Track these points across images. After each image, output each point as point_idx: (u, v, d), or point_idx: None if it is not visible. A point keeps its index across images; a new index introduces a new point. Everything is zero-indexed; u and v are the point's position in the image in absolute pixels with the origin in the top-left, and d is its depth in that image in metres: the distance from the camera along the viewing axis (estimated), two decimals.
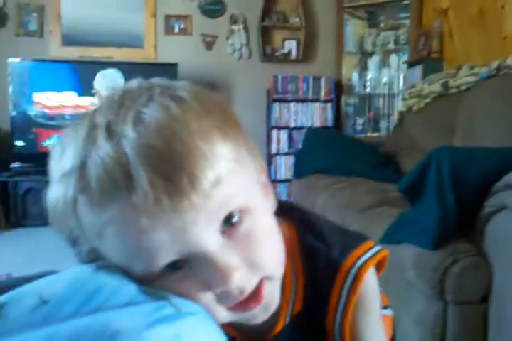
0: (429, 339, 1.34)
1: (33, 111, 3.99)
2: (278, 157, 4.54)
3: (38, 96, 3.99)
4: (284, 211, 0.52)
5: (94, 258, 0.43)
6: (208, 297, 0.43)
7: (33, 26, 4.36)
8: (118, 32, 4.45)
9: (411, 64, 4.00)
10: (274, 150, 4.52)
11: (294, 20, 4.66)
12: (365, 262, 0.53)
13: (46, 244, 2.86)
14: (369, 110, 4.70)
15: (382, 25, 4.61)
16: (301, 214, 0.58)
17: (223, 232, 0.42)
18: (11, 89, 3.95)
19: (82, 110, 3.93)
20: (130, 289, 0.39)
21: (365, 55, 4.71)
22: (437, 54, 3.71)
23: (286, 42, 4.70)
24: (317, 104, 4.55)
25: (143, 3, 4.50)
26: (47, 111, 4.01)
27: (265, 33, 4.64)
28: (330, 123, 4.56)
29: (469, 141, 2.23)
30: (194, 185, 0.38)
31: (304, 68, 4.72)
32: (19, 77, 3.96)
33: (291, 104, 4.52)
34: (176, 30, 4.60)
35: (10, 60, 3.96)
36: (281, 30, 4.72)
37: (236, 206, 0.42)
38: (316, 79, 4.54)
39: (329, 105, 4.56)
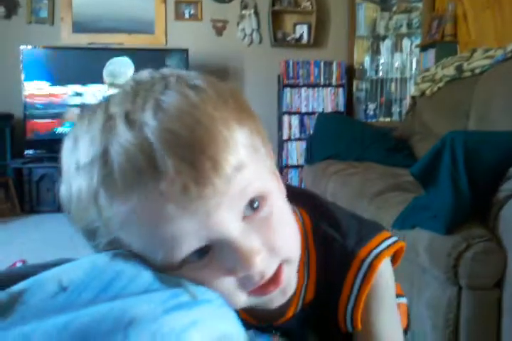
0: (442, 324, 1.34)
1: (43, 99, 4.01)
2: (289, 142, 4.53)
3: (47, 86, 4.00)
4: (298, 198, 0.52)
5: (113, 249, 0.43)
6: (230, 282, 0.43)
7: (43, 13, 4.36)
8: (128, 18, 4.44)
9: (424, 48, 3.95)
10: (285, 135, 4.51)
11: (305, 4, 4.61)
12: (380, 253, 0.52)
13: (60, 231, 2.90)
14: (381, 95, 4.66)
15: (394, 8, 4.55)
16: (315, 202, 0.58)
17: (244, 218, 0.43)
18: (23, 76, 3.96)
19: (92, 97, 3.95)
20: (147, 277, 0.40)
21: (377, 38, 4.66)
22: (451, 37, 3.66)
23: (298, 27, 4.66)
24: (328, 89, 4.52)
25: None
26: (57, 99, 4.02)
27: (276, 17, 4.60)
28: (341, 108, 4.53)
29: (483, 125, 2.20)
30: (217, 171, 0.38)
31: (315, 53, 4.68)
32: (31, 64, 3.97)
33: (303, 89, 4.50)
34: (187, 15, 4.57)
35: (22, 47, 3.97)
36: (292, 14, 4.67)
37: (256, 191, 0.42)
38: (328, 64, 4.50)
39: (341, 90, 4.53)
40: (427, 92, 3.00)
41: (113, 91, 0.45)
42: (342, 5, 4.72)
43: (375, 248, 0.53)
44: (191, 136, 0.38)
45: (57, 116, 3.99)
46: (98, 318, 0.35)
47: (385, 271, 0.54)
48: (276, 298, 0.47)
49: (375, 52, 4.68)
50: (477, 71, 2.52)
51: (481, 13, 3.34)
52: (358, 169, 2.58)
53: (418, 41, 4.34)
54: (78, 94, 4.04)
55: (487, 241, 1.27)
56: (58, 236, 2.72)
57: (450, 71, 2.74)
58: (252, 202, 0.43)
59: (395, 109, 4.64)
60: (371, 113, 4.65)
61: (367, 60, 4.68)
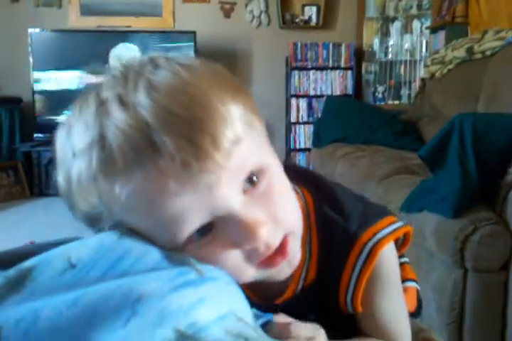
0: (448, 306, 1.35)
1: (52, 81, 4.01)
2: (297, 126, 4.52)
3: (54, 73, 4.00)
4: (301, 178, 0.52)
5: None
6: (236, 256, 0.44)
7: None
8: (136, 1, 4.42)
9: (434, 29, 3.90)
10: (293, 118, 4.49)
11: None
12: (384, 237, 0.52)
13: (69, 213, 2.92)
14: (390, 77, 4.62)
15: None
16: (319, 183, 0.58)
17: (245, 192, 0.43)
18: (31, 59, 3.96)
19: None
20: (155, 255, 0.40)
21: (386, 20, 4.60)
22: (462, 18, 3.61)
23: (306, 8, 4.61)
24: (337, 72, 4.48)
25: None
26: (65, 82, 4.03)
27: None
28: (350, 91, 4.50)
29: (493, 107, 2.18)
30: (216, 145, 0.39)
31: (323, 35, 4.63)
32: (39, 47, 3.97)
33: (311, 72, 4.46)
34: None
35: (30, 30, 3.96)
36: None
37: (254, 165, 0.43)
38: (336, 46, 4.46)
39: (349, 72, 4.49)
40: (437, 74, 2.97)
41: (103, 78, 0.45)
42: None
43: (378, 232, 0.52)
44: (187, 113, 0.39)
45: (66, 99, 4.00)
46: (106, 295, 0.35)
47: (388, 255, 0.54)
48: (283, 270, 0.47)
49: (385, 34, 4.63)
50: (488, 53, 2.49)
51: None
52: (366, 152, 2.58)
53: (428, 23, 4.28)
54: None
55: (494, 225, 1.27)
56: (67, 218, 2.73)
57: (460, 53, 2.71)
58: (251, 177, 0.43)
59: (404, 91, 4.60)
60: (380, 96, 4.62)
61: (376, 41, 4.63)
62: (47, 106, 4.05)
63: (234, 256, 0.44)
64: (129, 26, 4.36)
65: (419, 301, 0.76)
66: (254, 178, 0.44)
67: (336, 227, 0.53)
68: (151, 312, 0.35)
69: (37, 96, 4.03)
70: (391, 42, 4.61)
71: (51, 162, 3.79)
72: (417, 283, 0.74)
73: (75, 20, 4.38)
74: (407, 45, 4.54)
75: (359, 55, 4.58)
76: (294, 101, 4.49)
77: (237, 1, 4.58)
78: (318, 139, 3.14)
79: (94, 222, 0.44)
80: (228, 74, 0.46)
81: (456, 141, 1.34)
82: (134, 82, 0.41)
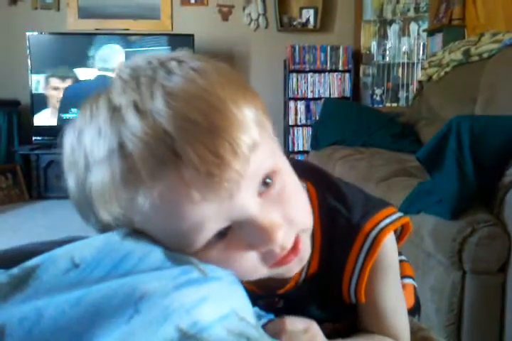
0: (446, 308, 1.35)
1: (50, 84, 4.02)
2: (295, 128, 4.52)
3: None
4: (304, 171, 0.52)
5: None
6: (252, 258, 0.44)
7: None
8: (134, 4, 4.42)
9: (431, 32, 3.92)
10: (291, 121, 4.50)
11: None
12: (386, 227, 0.53)
13: (68, 216, 2.92)
14: (388, 80, 4.62)
15: None
16: (321, 175, 0.58)
17: (260, 194, 0.43)
18: (30, 62, 3.96)
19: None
20: (158, 255, 0.40)
21: (384, 23, 4.61)
22: (459, 21, 3.62)
23: (304, 11, 4.61)
24: (335, 75, 4.49)
25: None
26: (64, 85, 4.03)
27: (282, 1, 4.55)
28: (348, 93, 4.50)
29: (490, 110, 2.19)
30: (236, 153, 0.39)
31: (321, 37, 4.64)
32: (38, 50, 3.97)
33: (309, 75, 4.47)
34: (192, 0, 4.54)
35: (28, 33, 3.96)
36: None
37: (268, 168, 0.43)
38: (334, 49, 4.47)
39: (347, 75, 4.50)
40: (434, 77, 2.98)
41: (111, 81, 0.44)
42: None
43: (380, 222, 0.53)
44: (206, 120, 0.38)
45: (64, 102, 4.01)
46: (109, 293, 0.36)
47: (389, 245, 0.55)
48: (294, 267, 0.48)
49: (382, 36, 4.64)
50: (485, 55, 2.50)
51: None
52: (364, 155, 2.58)
53: (426, 25, 4.30)
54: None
55: (492, 226, 1.27)
56: (66, 221, 2.74)
57: (457, 55, 2.72)
58: (265, 179, 0.43)
59: (402, 94, 4.61)
60: (378, 98, 4.63)
61: (374, 44, 4.64)
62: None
63: (249, 258, 0.44)
64: (127, 29, 4.37)
65: (417, 299, 0.77)
66: (268, 180, 0.44)
67: (339, 218, 0.54)
68: (153, 311, 0.35)
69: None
70: (389, 45, 4.62)
71: (50, 165, 3.81)
72: (414, 280, 0.75)
73: (73, 23, 4.38)
74: (404, 48, 4.56)
75: (357, 58, 4.59)
76: (292, 103, 4.49)
77: (234, 4, 4.59)
78: (317, 142, 3.14)
79: (109, 229, 0.44)
80: (234, 73, 0.46)
81: (453, 143, 1.34)
82: (149, 89, 0.40)
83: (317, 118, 3.94)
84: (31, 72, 3.99)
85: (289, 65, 4.44)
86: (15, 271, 0.39)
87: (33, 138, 4.00)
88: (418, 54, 4.46)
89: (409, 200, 1.57)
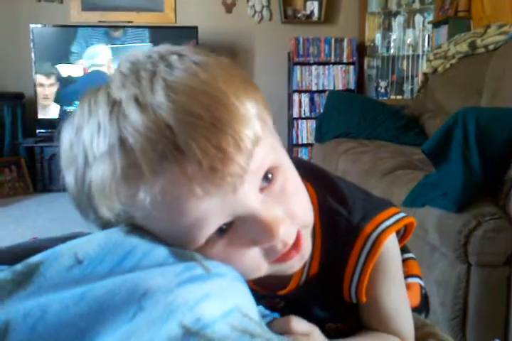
0: (451, 301, 1.35)
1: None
2: (299, 121, 4.51)
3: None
4: (304, 171, 0.51)
5: None
6: (254, 253, 0.44)
7: None
8: None
9: (436, 24, 3.89)
10: (295, 114, 4.49)
11: None
12: (386, 229, 0.53)
13: (72, 209, 2.93)
14: (392, 72, 4.60)
15: None
16: (322, 175, 0.58)
17: (261, 189, 0.43)
18: (33, 54, 3.96)
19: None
20: (161, 251, 0.40)
21: (389, 15, 4.58)
22: (464, 13, 3.59)
23: (308, 3, 4.59)
24: (339, 67, 4.47)
25: None
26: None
27: None
28: (352, 86, 4.49)
29: (496, 102, 2.18)
30: (239, 147, 0.38)
31: (326, 30, 4.62)
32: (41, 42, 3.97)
33: (313, 67, 4.46)
34: None
35: (32, 25, 3.95)
36: None
37: (270, 163, 0.43)
38: (339, 41, 4.45)
39: (352, 67, 4.49)
40: (440, 69, 2.96)
41: (110, 76, 0.43)
42: None
43: (380, 223, 0.53)
44: (209, 114, 0.38)
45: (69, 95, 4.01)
46: (113, 290, 0.35)
47: (391, 246, 0.54)
48: (295, 264, 0.47)
49: (387, 28, 4.60)
50: (491, 47, 2.48)
51: None
52: (369, 147, 2.58)
53: (431, 17, 4.26)
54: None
55: (498, 219, 1.27)
56: (70, 214, 2.74)
57: (463, 47, 2.70)
58: (266, 174, 0.43)
59: (407, 86, 4.59)
60: (382, 91, 4.61)
61: (378, 36, 4.61)
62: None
63: (252, 255, 0.44)
64: (131, 21, 4.36)
65: (426, 298, 0.76)
66: (270, 175, 0.44)
67: (339, 219, 0.53)
68: (157, 308, 0.35)
69: None
70: (393, 37, 4.59)
71: (54, 157, 3.81)
72: (421, 279, 0.74)
73: (76, 15, 4.37)
74: (409, 40, 4.53)
75: (361, 50, 4.57)
76: (296, 96, 4.48)
77: None
78: (321, 134, 3.13)
79: (110, 226, 0.43)
80: (236, 67, 0.45)
81: (459, 135, 1.33)
82: (150, 83, 0.39)
83: (321, 110, 3.93)
84: (35, 65, 3.98)
85: (293, 58, 4.43)
86: (18, 267, 0.39)
87: (37, 130, 4.00)
88: (423, 46, 4.44)
89: (415, 193, 1.56)
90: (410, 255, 0.75)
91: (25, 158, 3.99)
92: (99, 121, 0.40)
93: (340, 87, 4.48)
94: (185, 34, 4.11)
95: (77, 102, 0.46)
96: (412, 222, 0.57)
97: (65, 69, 4.04)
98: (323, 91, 4.41)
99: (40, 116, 4.03)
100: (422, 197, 1.50)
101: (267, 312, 0.47)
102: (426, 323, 0.65)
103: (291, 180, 0.46)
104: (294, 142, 4.52)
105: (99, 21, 4.30)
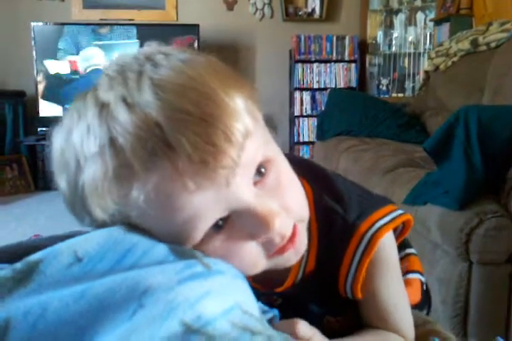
0: (452, 299, 1.35)
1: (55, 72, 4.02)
2: (301, 119, 4.51)
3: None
4: (300, 168, 0.52)
5: None
6: (252, 248, 0.44)
7: None
8: None
9: (438, 21, 3.88)
10: (296, 112, 4.48)
11: None
12: (382, 227, 0.53)
13: None
14: (394, 70, 4.60)
15: None
16: (318, 173, 0.58)
17: (255, 183, 0.43)
18: (35, 53, 3.96)
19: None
20: (161, 249, 0.40)
21: (390, 12, 4.57)
22: (466, 10, 3.59)
23: (310, 1, 4.58)
24: (341, 65, 4.47)
25: None
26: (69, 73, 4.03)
27: None
28: (354, 83, 4.48)
29: (498, 100, 2.17)
30: (230, 140, 0.39)
31: (327, 27, 4.61)
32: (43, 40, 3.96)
33: (315, 65, 4.45)
34: None
35: (33, 23, 3.95)
36: None
37: (262, 156, 0.43)
38: (340, 39, 4.44)
39: (353, 65, 4.48)
40: (441, 67, 2.95)
41: (98, 79, 0.43)
42: None
43: (376, 221, 0.53)
44: (198, 110, 0.38)
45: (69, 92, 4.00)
46: (113, 287, 0.35)
47: (387, 244, 0.54)
48: (291, 257, 0.47)
49: (389, 26, 4.60)
50: (493, 45, 2.47)
51: None
52: (370, 145, 2.57)
53: (432, 15, 4.26)
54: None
55: (499, 217, 1.27)
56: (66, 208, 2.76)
57: (465, 45, 2.69)
58: (259, 168, 0.43)
59: (408, 84, 4.59)
60: (384, 88, 4.60)
61: (380, 34, 4.60)
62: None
63: (250, 249, 0.44)
64: (132, 19, 4.35)
65: (428, 294, 0.76)
66: (262, 169, 0.44)
67: (335, 217, 0.53)
68: (157, 305, 0.35)
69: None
70: (395, 35, 4.58)
71: None
72: (422, 275, 0.74)
73: (77, 13, 4.37)
74: (411, 38, 4.52)
75: (363, 48, 4.56)
76: (297, 94, 4.47)
77: None
78: (322, 132, 3.13)
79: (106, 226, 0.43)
80: (222, 64, 0.46)
81: (461, 133, 1.33)
82: (136, 83, 0.40)
83: (323, 108, 3.92)
84: (36, 63, 3.98)
85: (294, 55, 4.42)
86: (18, 265, 0.39)
87: (39, 128, 4.00)
88: (425, 44, 4.43)
89: (416, 191, 1.56)
90: (412, 250, 0.75)
91: (26, 156, 3.99)
92: (88, 124, 0.40)
93: (341, 84, 4.47)
94: (186, 32, 4.10)
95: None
96: (409, 220, 0.57)
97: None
98: (325, 89, 4.40)
99: (41, 114, 4.02)
100: (423, 195, 1.50)
101: (267, 308, 0.47)
102: (427, 320, 0.65)
103: (285, 174, 0.47)
104: (296, 140, 4.51)
105: (101, 19, 4.30)
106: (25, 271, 0.38)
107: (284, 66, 4.63)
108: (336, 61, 4.46)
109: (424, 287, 0.75)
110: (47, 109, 4.02)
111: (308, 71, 4.45)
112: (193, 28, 4.12)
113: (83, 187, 0.41)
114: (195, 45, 4.08)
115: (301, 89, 4.47)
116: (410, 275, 0.71)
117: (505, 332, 1.32)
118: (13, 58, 4.28)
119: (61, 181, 0.44)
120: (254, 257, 0.45)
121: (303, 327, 0.49)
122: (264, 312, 0.46)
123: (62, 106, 4.02)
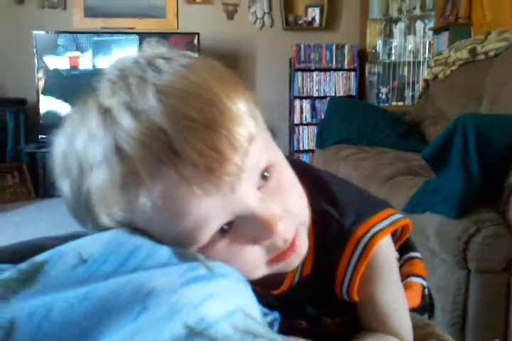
0: (450, 307, 1.35)
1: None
2: (301, 127, 4.52)
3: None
4: (297, 171, 0.51)
5: None
6: (256, 252, 0.44)
7: None
8: (140, 2, 4.43)
9: (437, 30, 3.90)
10: (296, 120, 4.49)
11: None
12: (378, 232, 0.52)
13: None
14: (393, 79, 4.61)
15: None
16: (314, 176, 0.57)
17: (258, 188, 0.43)
18: (36, 61, 3.97)
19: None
20: (165, 251, 0.40)
21: (390, 21, 4.60)
22: (465, 19, 3.61)
23: (310, 10, 4.61)
24: (340, 73, 4.49)
25: None
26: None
27: (287, 0, 4.55)
28: (353, 92, 4.50)
29: (496, 108, 2.18)
30: (235, 146, 0.39)
31: (327, 36, 4.64)
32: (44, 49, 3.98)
33: (314, 73, 4.47)
34: None
35: (35, 32, 3.97)
36: None
37: (266, 161, 0.43)
38: (340, 48, 4.47)
39: (353, 74, 4.50)
40: (440, 76, 2.97)
41: (98, 83, 0.43)
42: None
43: (373, 226, 0.53)
44: (203, 116, 0.38)
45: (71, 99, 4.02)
46: (117, 289, 0.36)
47: (384, 248, 0.54)
48: (292, 261, 0.48)
49: (388, 35, 4.62)
50: (491, 54, 2.49)
51: None
52: (370, 153, 2.58)
53: (431, 24, 4.28)
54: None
55: (497, 225, 1.27)
56: (72, 220, 2.75)
57: (463, 54, 2.71)
58: (263, 172, 0.43)
59: (408, 93, 4.60)
60: (383, 97, 4.62)
61: (379, 43, 4.63)
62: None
63: (252, 252, 0.44)
64: (133, 28, 4.38)
65: (430, 299, 0.76)
66: (266, 174, 0.44)
67: (331, 221, 0.53)
68: (161, 307, 0.35)
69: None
70: (394, 44, 4.61)
71: None
72: (424, 279, 0.73)
73: (79, 21, 4.39)
74: (410, 47, 4.54)
75: (362, 56, 4.58)
76: (297, 102, 4.49)
77: (240, 2, 4.59)
78: (322, 140, 3.14)
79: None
80: (224, 68, 0.46)
81: (459, 141, 1.34)
82: (140, 88, 0.39)
83: (322, 117, 3.93)
84: (37, 71, 4.00)
85: (294, 64, 4.44)
86: (23, 266, 0.39)
87: (40, 136, 4.01)
88: (424, 52, 4.45)
89: (415, 199, 1.57)
90: (416, 254, 0.75)
91: (27, 163, 3.99)
92: (91, 130, 0.40)
93: (341, 93, 4.49)
94: (187, 40, 4.13)
95: None
96: (407, 224, 0.57)
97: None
98: (325, 97, 4.41)
99: (42, 121, 4.03)
100: (422, 203, 1.51)
101: (267, 310, 0.47)
102: (427, 323, 0.65)
103: (287, 177, 0.47)
104: (296, 148, 4.52)
105: (102, 28, 4.32)
106: (30, 271, 0.39)
107: (284, 74, 4.65)
108: (336, 69, 4.48)
109: (426, 291, 0.74)
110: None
111: (308, 79, 4.46)
112: (193, 37, 4.14)
113: (88, 194, 0.41)
114: (196, 53, 4.10)
115: (301, 98, 4.49)
116: (411, 279, 0.71)
117: (504, 340, 1.32)
118: (14, 66, 4.30)
119: (64, 186, 0.44)
120: (257, 261, 0.45)
121: None
122: (265, 314, 0.46)
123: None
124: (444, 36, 3.69)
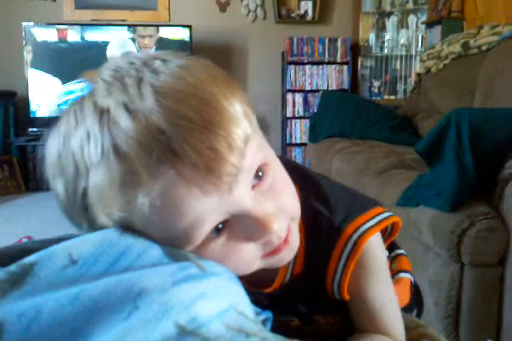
0: (444, 300, 1.36)
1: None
2: (293, 121, 4.52)
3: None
4: (288, 171, 0.52)
5: None
6: (251, 249, 0.45)
7: None
8: None
9: (430, 24, 3.90)
10: (289, 113, 4.49)
11: None
12: (368, 229, 0.53)
13: None
14: (386, 72, 4.62)
15: None
16: (305, 175, 0.58)
17: (253, 187, 0.44)
18: (26, 53, 3.94)
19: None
20: (155, 251, 0.40)
21: (382, 15, 4.60)
22: (457, 13, 3.61)
23: (302, 3, 4.59)
24: (333, 67, 4.48)
25: None
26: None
27: None
28: (346, 85, 4.50)
29: (489, 102, 2.19)
30: (232, 146, 0.39)
31: (319, 29, 4.63)
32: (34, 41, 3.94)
33: (307, 67, 4.46)
34: None
35: (24, 23, 3.93)
36: None
37: (260, 160, 0.44)
38: (332, 41, 4.46)
39: (345, 67, 4.50)
40: (433, 69, 2.97)
41: (93, 83, 0.43)
42: None
43: (362, 224, 0.53)
44: (201, 117, 0.39)
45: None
46: (108, 289, 0.36)
47: (374, 245, 0.55)
48: (285, 256, 0.48)
49: (381, 28, 4.62)
50: (484, 48, 2.49)
51: None
52: (362, 147, 2.58)
53: (424, 17, 4.28)
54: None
55: (491, 219, 1.27)
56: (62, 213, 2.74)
57: (456, 48, 2.71)
58: (257, 172, 0.44)
59: (400, 86, 4.61)
60: (376, 90, 4.62)
61: (372, 36, 4.62)
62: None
63: (247, 249, 0.45)
64: (124, 20, 4.34)
65: (419, 294, 0.77)
66: (260, 173, 0.44)
67: (322, 220, 0.54)
68: (152, 307, 0.35)
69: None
70: (387, 37, 4.60)
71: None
72: (411, 274, 0.75)
73: (69, 13, 4.35)
74: (402, 40, 4.54)
75: (355, 50, 4.57)
76: (289, 95, 4.48)
77: None
78: (314, 134, 3.14)
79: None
80: (218, 68, 0.46)
81: (452, 135, 1.34)
82: (137, 89, 0.40)
83: (315, 110, 3.93)
84: (27, 63, 3.96)
85: (287, 57, 4.43)
86: (12, 267, 0.39)
87: (30, 129, 3.98)
88: (416, 46, 4.46)
89: (408, 193, 1.57)
90: (401, 251, 0.76)
91: (17, 156, 3.97)
92: (88, 130, 0.40)
93: (334, 86, 4.49)
94: (179, 33, 4.10)
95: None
96: (397, 221, 0.58)
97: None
98: (317, 90, 4.41)
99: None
100: (415, 196, 1.51)
101: (259, 309, 0.47)
102: (420, 324, 0.65)
103: (280, 175, 0.47)
104: (288, 142, 4.52)
105: (93, 20, 4.29)
106: (19, 273, 0.38)
107: (277, 68, 4.64)
108: (328, 63, 4.48)
109: (413, 288, 0.75)
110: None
111: (301, 73, 4.46)
112: (185, 29, 4.12)
113: (84, 194, 0.41)
114: (188, 45, 4.07)
115: (294, 91, 4.48)
116: (402, 275, 0.72)
117: (496, 333, 1.33)
118: (4, 58, 4.26)
119: (57, 186, 0.43)
120: (252, 256, 0.45)
121: None
122: (257, 313, 0.46)
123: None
124: (437, 30, 3.69)
